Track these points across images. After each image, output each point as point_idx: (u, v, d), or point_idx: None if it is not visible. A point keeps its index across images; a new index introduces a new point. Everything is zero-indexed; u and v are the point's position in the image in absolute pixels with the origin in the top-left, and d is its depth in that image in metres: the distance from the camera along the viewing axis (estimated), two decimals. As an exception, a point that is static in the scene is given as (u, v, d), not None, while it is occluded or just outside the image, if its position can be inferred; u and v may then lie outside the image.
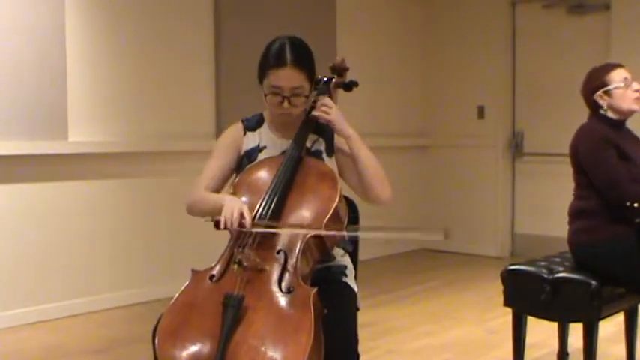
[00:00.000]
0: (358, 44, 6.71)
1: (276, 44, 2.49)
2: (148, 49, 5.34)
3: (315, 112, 2.54)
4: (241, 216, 2.29)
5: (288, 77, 2.44)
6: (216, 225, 2.32)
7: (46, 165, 4.85)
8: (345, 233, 2.38)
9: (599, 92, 3.42)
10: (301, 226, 2.29)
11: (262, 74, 2.50)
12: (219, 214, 2.33)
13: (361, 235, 2.52)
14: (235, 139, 2.63)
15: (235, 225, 2.28)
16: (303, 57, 2.48)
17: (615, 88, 3.39)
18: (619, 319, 3.65)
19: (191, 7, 5.57)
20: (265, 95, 2.50)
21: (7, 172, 4.69)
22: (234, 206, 2.31)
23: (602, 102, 3.42)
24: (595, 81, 3.45)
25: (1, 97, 4.63)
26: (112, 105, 5.18)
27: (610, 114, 3.42)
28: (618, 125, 3.44)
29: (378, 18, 7.04)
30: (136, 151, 5.23)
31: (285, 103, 2.47)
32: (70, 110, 4.93)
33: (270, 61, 2.46)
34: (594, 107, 3.46)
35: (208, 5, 5.65)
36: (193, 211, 2.56)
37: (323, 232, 2.28)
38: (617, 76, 3.41)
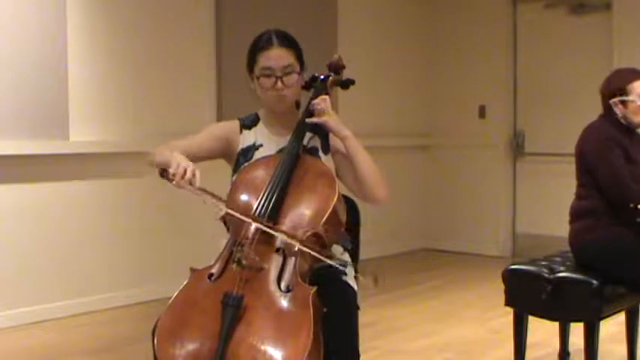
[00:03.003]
0: (359, 44, 6.70)
1: (263, 34, 2.55)
2: (149, 49, 5.34)
3: (309, 121, 2.54)
4: (193, 175, 2.28)
5: (277, 57, 2.48)
6: (163, 173, 2.31)
7: (47, 164, 4.85)
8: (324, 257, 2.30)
9: (616, 99, 3.40)
10: (294, 236, 2.26)
11: (252, 61, 2.54)
12: (163, 166, 2.33)
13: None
14: (229, 131, 2.64)
15: (183, 182, 2.25)
16: (289, 38, 2.54)
17: (632, 101, 3.37)
18: (620, 318, 3.65)
19: (192, 7, 5.57)
20: (258, 78, 2.51)
21: (8, 172, 4.69)
22: (188, 164, 2.30)
23: (617, 109, 3.40)
24: (616, 85, 3.42)
25: (3, 96, 4.63)
26: (113, 105, 5.18)
27: (623, 121, 3.42)
28: (628, 130, 3.42)
29: (380, 18, 7.04)
30: (137, 150, 5.22)
31: (279, 83, 2.49)
32: (71, 110, 4.93)
33: (258, 46, 2.52)
34: (608, 109, 3.45)
35: (209, 5, 5.65)
36: (148, 158, 2.55)
37: (305, 249, 2.25)
38: (638, 89, 3.37)
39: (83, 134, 5.02)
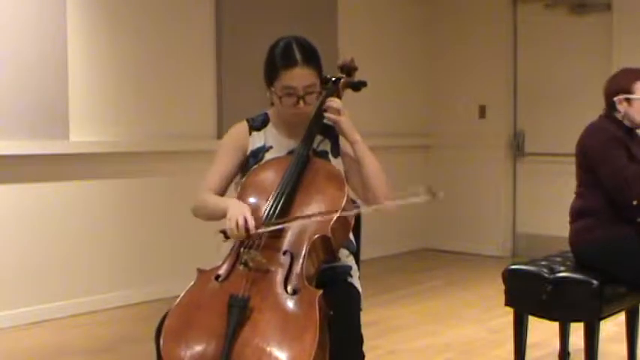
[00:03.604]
0: (360, 44, 6.69)
1: (282, 44, 2.48)
2: (150, 49, 5.34)
3: (326, 115, 2.53)
4: (245, 222, 2.27)
5: (300, 77, 2.44)
6: (226, 236, 2.31)
7: (47, 165, 4.85)
8: (351, 213, 2.34)
9: (620, 97, 3.39)
10: (309, 217, 2.28)
11: (272, 76, 2.48)
12: (223, 217, 2.32)
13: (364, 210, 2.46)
14: (240, 138, 2.61)
15: (242, 234, 2.26)
16: (311, 54, 2.48)
17: (638, 100, 3.36)
18: (620, 318, 3.65)
19: (192, 8, 5.57)
20: (280, 98, 2.47)
21: (8, 172, 4.69)
22: (238, 214, 2.28)
23: (620, 107, 3.39)
24: (621, 83, 3.41)
25: (3, 96, 4.63)
26: (113, 105, 5.18)
27: (624, 121, 3.41)
28: (629, 129, 3.42)
29: (380, 18, 7.04)
30: (137, 150, 5.23)
31: (301, 103, 2.46)
32: (71, 110, 4.93)
33: (279, 62, 2.45)
34: (610, 107, 3.44)
35: (210, 5, 5.64)
36: (198, 214, 2.56)
37: (336, 215, 2.27)
38: None
39: (83, 134, 5.02)
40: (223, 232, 2.30)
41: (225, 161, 2.60)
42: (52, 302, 4.88)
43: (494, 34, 7.03)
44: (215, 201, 2.49)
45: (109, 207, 5.18)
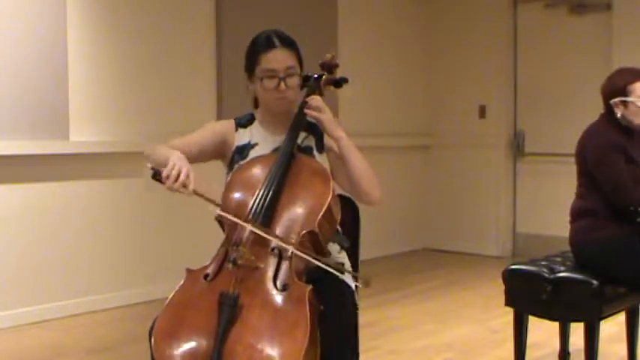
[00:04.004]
0: (360, 44, 6.70)
1: (262, 35, 2.56)
2: (150, 49, 5.34)
3: (306, 111, 2.54)
4: (187, 177, 2.26)
5: (280, 58, 2.49)
6: (156, 175, 2.28)
7: (47, 164, 4.86)
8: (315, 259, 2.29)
9: (616, 100, 3.39)
10: (288, 241, 2.26)
11: (252, 62, 2.54)
12: (162, 166, 2.30)
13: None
14: (225, 130, 2.64)
15: (177, 185, 2.24)
16: (290, 40, 2.55)
17: (632, 102, 3.35)
18: (620, 318, 3.65)
19: (192, 7, 5.57)
20: (261, 80, 2.51)
21: (8, 172, 4.69)
22: (182, 165, 2.28)
23: (617, 110, 3.38)
24: (616, 84, 3.39)
25: (3, 96, 4.63)
26: (113, 105, 5.18)
27: (622, 122, 3.40)
28: (629, 130, 3.41)
29: (380, 17, 7.04)
30: (137, 150, 5.18)
31: (282, 85, 2.49)
32: (71, 110, 4.93)
33: (259, 47, 2.52)
34: (608, 108, 3.44)
35: (210, 5, 5.65)
36: (146, 155, 2.54)
37: (300, 254, 2.24)
38: (639, 90, 3.34)
39: (83, 134, 5.02)
40: (156, 170, 2.28)
41: (199, 139, 2.62)
42: (53, 302, 4.88)
43: (494, 34, 7.04)
44: (167, 150, 2.46)
45: (109, 207, 5.18)
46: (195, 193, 2.27)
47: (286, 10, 5.98)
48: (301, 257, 2.26)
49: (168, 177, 2.26)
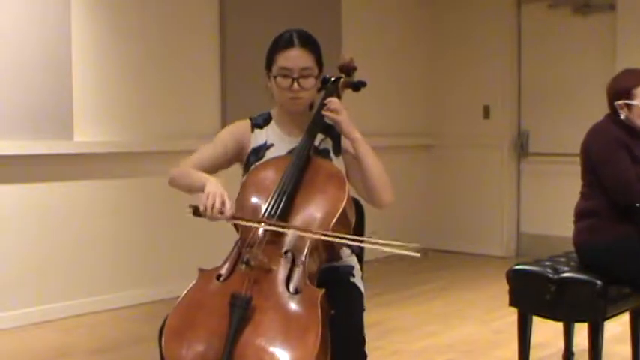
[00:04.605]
0: (364, 44, 6.70)
1: (285, 33, 2.54)
2: (154, 49, 5.34)
3: (324, 112, 2.53)
4: (222, 204, 2.27)
5: (296, 58, 2.47)
6: (195, 212, 2.30)
7: (51, 165, 4.86)
8: (346, 241, 2.31)
9: (620, 102, 3.38)
10: (308, 230, 2.27)
11: (271, 59, 2.52)
12: (199, 192, 2.32)
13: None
14: (241, 133, 2.63)
15: (215, 214, 2.26)
16: (310, 41, 2.53)
17: (637, 106, 3.34)
18: (624, 318, 3.64)
19: (196, 7, 5.57)
20: (275, 78, 2.50)
21: (12, 172, 4.69)
22: (216, 193, 2.29)
23: (621, 112, 3.38)
24: (621, 87, 3.38)
25: (7, 97, 4.64)
26: (117, 105, 5.19)
27: (626, 122, 3.39)
28: (633, 130, 3.41)
29: (384, 18, 7.04)
30: (141, 151, 5.24)
31: (295, 85, 2.47)
32: (75, 110, 4.93)
33: (278, 45, 2.51)
34: (613, 108, 3.43)
35: (213, 5, 5.65)
36: (174, 182, 2.55)
37: (324, 238, 2.25)
38: None
39: (87, 135, 5.02)
40: (194, 207, 2.31)
41: (217, 149, 2.62)
42: (55, 302, 4.88)
43: (498, 34, 7.03)
44: (195, 173, 2.48)
45: (113, 207, 5.18)
46: (234, 217, 2.29)
47: (290, 11, 5.97)
48: (315, 256, 2.27)
49: (205, 209, 2.28)
